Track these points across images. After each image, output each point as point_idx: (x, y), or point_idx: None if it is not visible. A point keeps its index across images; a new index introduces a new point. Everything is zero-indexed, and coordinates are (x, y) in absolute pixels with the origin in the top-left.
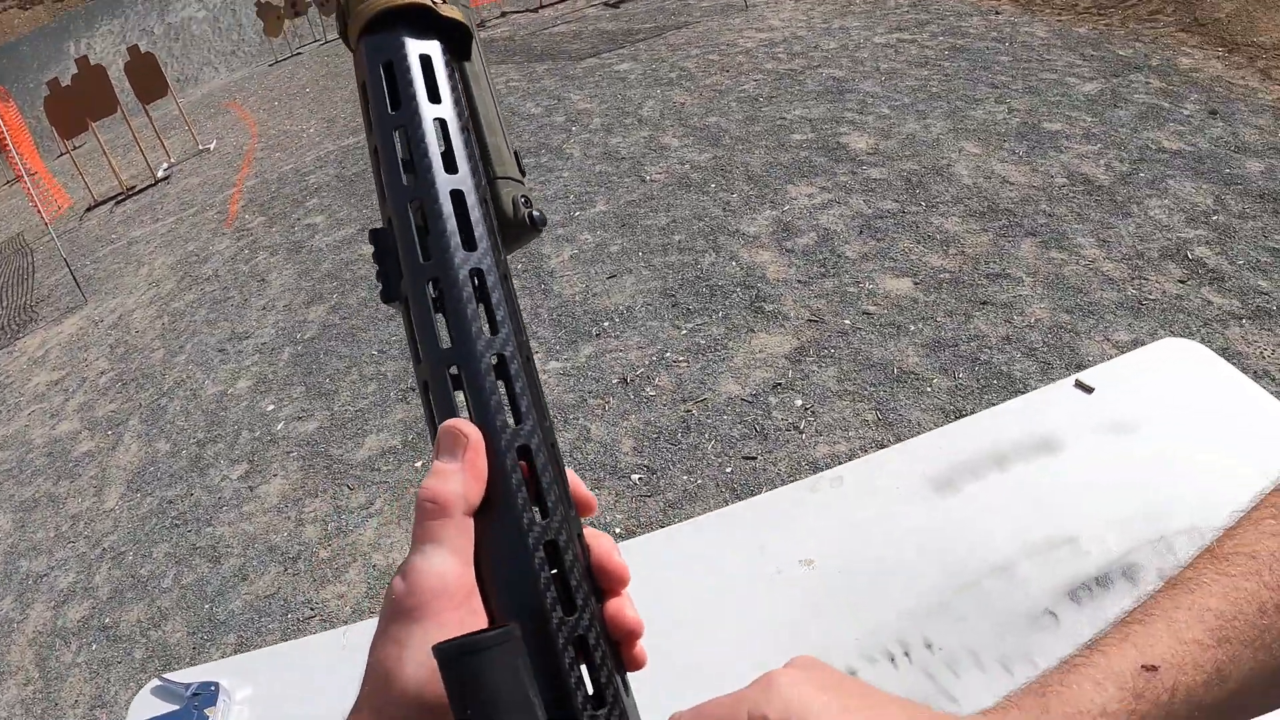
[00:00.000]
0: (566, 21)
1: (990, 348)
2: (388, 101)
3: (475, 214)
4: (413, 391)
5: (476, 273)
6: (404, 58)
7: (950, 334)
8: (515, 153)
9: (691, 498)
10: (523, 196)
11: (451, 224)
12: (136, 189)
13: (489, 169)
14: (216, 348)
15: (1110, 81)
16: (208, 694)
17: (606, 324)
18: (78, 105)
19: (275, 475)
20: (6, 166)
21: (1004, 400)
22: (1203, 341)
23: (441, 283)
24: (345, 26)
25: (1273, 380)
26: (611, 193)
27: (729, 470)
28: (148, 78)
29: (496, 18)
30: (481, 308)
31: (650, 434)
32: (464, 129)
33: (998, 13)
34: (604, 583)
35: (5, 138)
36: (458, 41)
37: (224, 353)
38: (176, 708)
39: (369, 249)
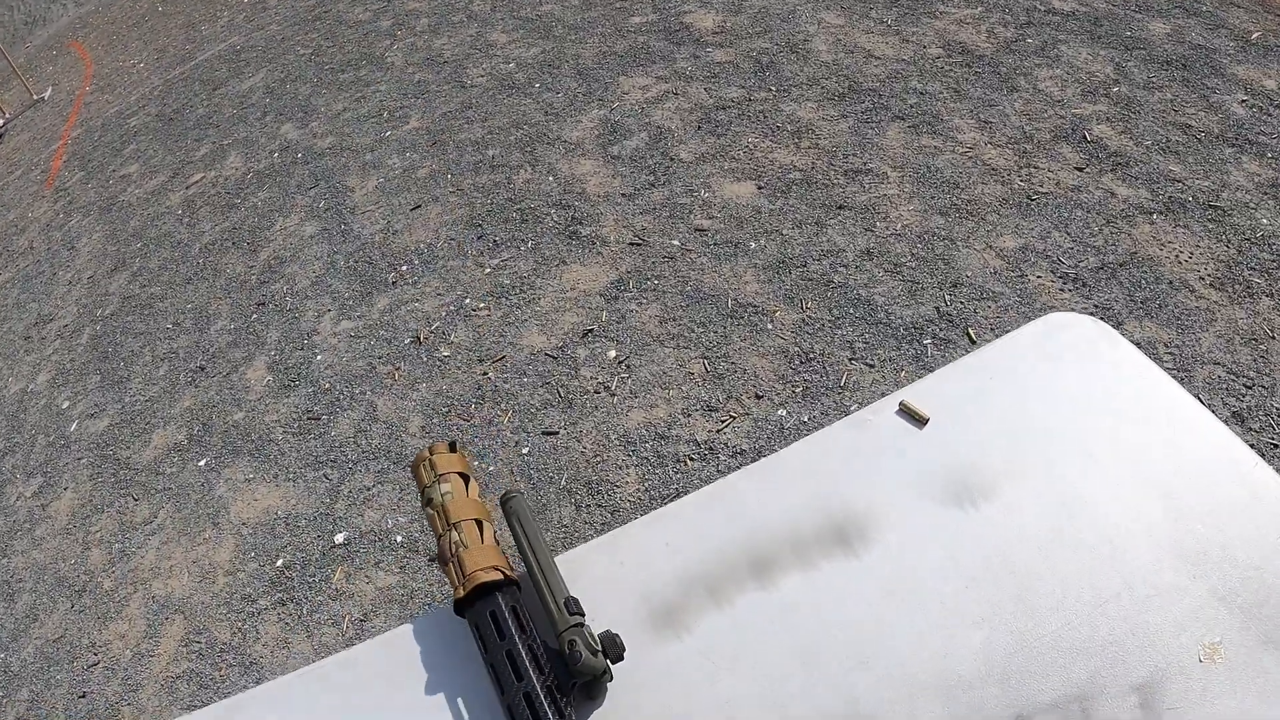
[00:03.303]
0: None
1: (846, 265)
2: (483, 646)
3: (542, 704)
4: (201, 372)
5: None
6: (483, 618)
7: (799, 250)
8: (566, 602)
9: (481, 490)
10: (574, 639)
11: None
12: None
13: (556, 627)
14: (23, 335)
15: None
16: None
17: (405, 268)
18: None
19: (66, 489)
20: None
21: (861, 334)
22: (1107, 242)
23: None
24: (456, 603)
25: (1192, 292)
26: (428, 104)
27: (525, 451)
28: None
29: None
30: None
31: (441, 407)
32: (528, 646)
33: None
34: None
35: None
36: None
37: (29, 340)
38: None
39: (176, 198)
